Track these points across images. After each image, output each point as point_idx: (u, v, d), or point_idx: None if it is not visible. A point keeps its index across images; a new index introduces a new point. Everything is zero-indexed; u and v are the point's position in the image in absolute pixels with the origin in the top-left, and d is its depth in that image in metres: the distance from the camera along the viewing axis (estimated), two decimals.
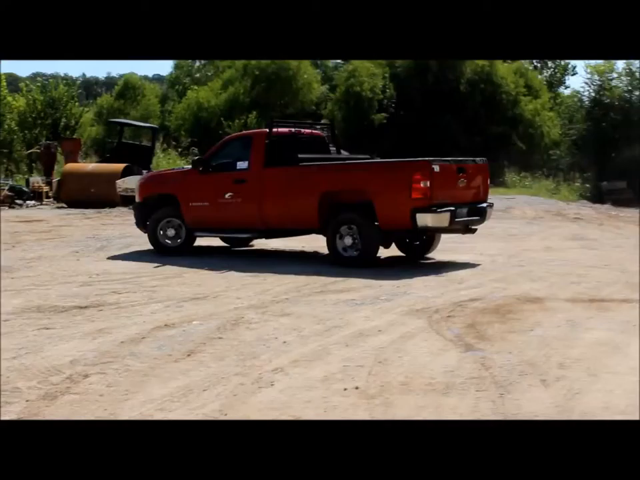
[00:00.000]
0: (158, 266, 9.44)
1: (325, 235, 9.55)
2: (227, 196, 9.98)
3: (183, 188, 10.40)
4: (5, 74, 40.76)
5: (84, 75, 58.67)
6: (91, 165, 22.53)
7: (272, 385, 4.49)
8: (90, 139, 39.37)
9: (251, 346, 5.55)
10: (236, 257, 11.01)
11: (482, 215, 9.66)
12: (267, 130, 10.25)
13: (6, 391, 4.34)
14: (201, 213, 10.22)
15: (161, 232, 10.49)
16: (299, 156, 9.91)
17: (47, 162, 22.70)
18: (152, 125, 29.16)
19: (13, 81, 46.77)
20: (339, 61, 45.78)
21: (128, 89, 48.35)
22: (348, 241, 9.15)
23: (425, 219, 8.75)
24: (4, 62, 49.58)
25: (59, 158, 23.75)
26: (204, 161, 10.38)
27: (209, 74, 48.68)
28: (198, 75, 50.52)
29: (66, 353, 5.27)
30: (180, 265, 9.52)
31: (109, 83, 70.04)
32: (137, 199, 11.08)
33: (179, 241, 10.49)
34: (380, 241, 9.31)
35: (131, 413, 3.94)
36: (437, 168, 8.95)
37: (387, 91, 39.63)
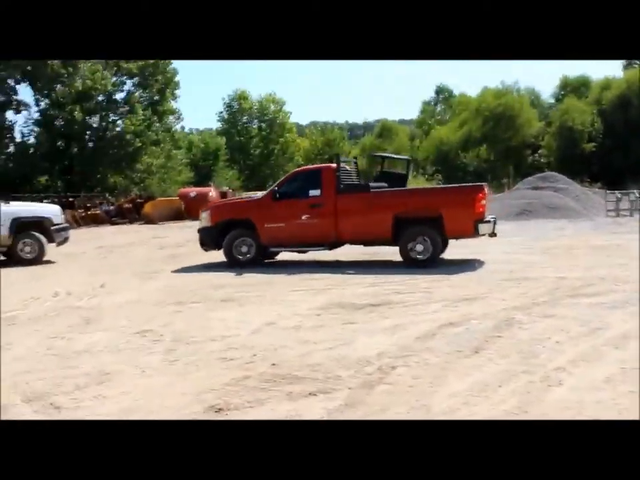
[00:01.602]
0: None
1: (395, 245, 11.87)
2: (303, 217, 12.22)
3: (257, 213, 12.61)
4: (294, 123, 60.79)
5: (347, 121, 70.51)
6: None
7: (560, 384, 4.78)
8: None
9: (528, 345, 5.91)
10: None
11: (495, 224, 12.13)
12: (336, 164, 12.59)
13: (330, 378, 5.09)
14: (276, 233, 12.36)
15: (235, 249, 12.49)
16: (370, 184, 13.08)
17: None
18: (406, 157, 32.43)
19: (298, 128, 64.05)
20: (552, 101, 60.11)
21: (385, 130, 64.64)
22: (420, 247, 11.50)
23: (483, 228, 11.56)
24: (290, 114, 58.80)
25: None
26: (276, 191, 12.55)
27: (447, 117, 63.49)
28: (439, 117, 66.34)
29: (372, 345, 6.01)
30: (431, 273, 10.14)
31: (366, 126, 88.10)
32: (208, 224, 12.91)
33: (248, 256, 12.50)
34: (442, 246, 11.88)
35: (440, 405, 4.42)
36: (486, 190, 12.04)
37: (595, 124, 50.21)
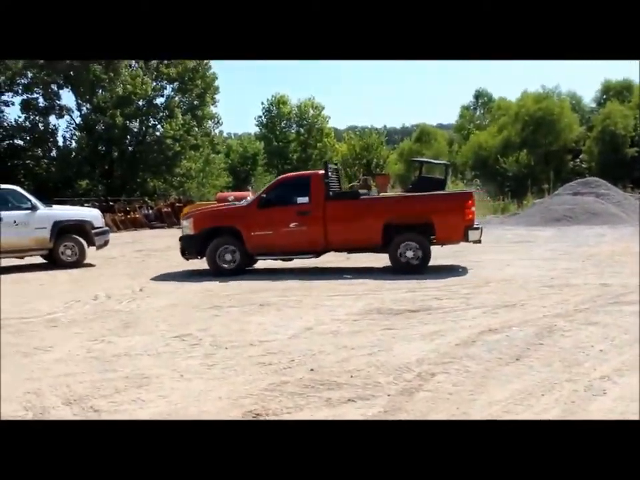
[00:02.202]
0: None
1: (384, 252, 11.88)
2: (291, 225, 12.04)
3: (243, 220, 12.33)
4: (332, 127, 61.60)
5: (385, 126, 72.28)
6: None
7: (604, 393, 4.69)
8: (395, 174, 51.98)
9: (571, 353, 5.81)
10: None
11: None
12: (324, 172, 12.42)
13: (369, 385, 5.05)
14: (263, 241, 12.17)
15: (219, 257, 12.23)
16: (360, 191, 13.37)
17: (365, 193, 27.46)
18: (445, 162, 33.12)
19: (336, 133, 64.80)
20: (594, 105, 59.23)
21: (423, 135, 65.79)
22: (410, 253, 11.65)
23: (474, 234, 11.66)
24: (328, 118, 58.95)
25: (373, 190, 28.20)
26: (263, 198, 12.30)
27: (487, 121, 63.15)
28: (478, 122, 66.16)
29: (411, 352, 5.97)
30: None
31: (404, 131, 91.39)
32: (190, 232, 12.60)
33: (232, 264, 12.23)
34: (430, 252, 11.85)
35: (481, 413, 4.36)
36: (475, 197, 12.31)
37: (638, 128, 49.16)
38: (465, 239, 11.69)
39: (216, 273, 12.10)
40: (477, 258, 13.49)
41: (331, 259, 13.21)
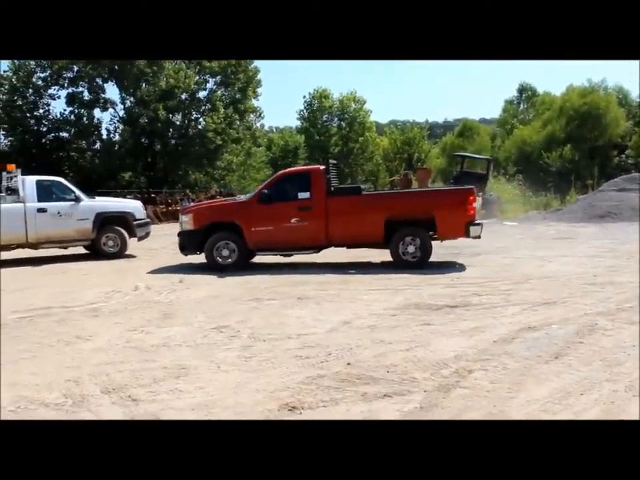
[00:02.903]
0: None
1: (386, 247, 11.98)
2: (292, 220, 12.02)
3: (244, 216, 12.30)
4: (373, 121, 61.47)
5: (427, 120, 71.33)
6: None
7: None
8: (436, 168, 50.83)
9: (612, 352, 5.70)
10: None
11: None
12: (325, 167, 12.50)
13: (405, 380, 5.03)
14: (264, 236, 12.17)
15: (218, 253, 12.21)
16: (360, 186, 13.50)
17: (405, 187, 26.93)
18: (487, 157, 33.41)
19: (377, 127, 64.35)
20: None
21: (466, 130, 64.86)
22: (411, 248, 11.73)
23: (475, 230, 11.66)
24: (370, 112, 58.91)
25: (413, 184, 27.94)
26: (264, 194, 12.23)
27: (530, 116, 62.24)
28: (522, 117, 64.96)
29: (449, 348, 5.93)
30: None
31: (446, 125, 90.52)
32: (190, 227, 12.51)
33: (230, 260, 12.21)
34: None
35: (519, 411, 4.30)
36: (476, 193, 12.14)
37: None
38: (466, 234, 11.71)
39: (213, 268, 12.06)
40: (518, 254, 13.36)
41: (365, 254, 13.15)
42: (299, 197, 12.19)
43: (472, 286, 9.23)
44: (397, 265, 11.64)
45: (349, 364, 5.51)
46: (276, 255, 12.75)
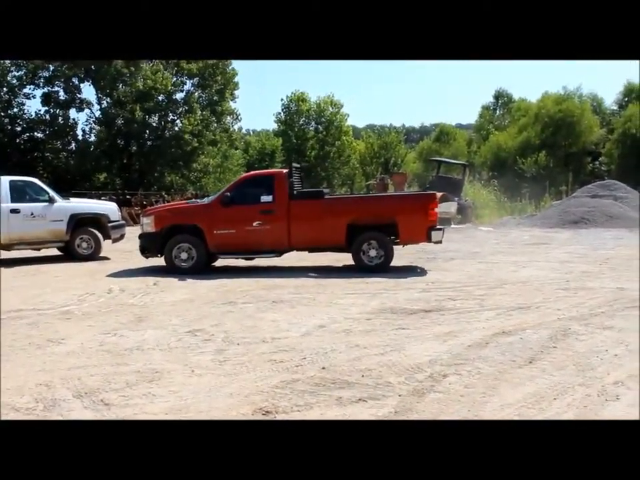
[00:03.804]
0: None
1: (348, 251, 12.00)
2: (255, 224, 11.99)
3: (205, 218, 12.21)
4: (350, 125, 60.75)
5: (404, 125, 73.21)
6: None
7: (617, 399, 4.62)
8: (412, 173, 50.73)
9: (585, 357, 5.75)
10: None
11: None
12: (288, 171, 12.57)
13: (380, 384, 5.03)
14: (225, 239, 12.08)
15: (178, 256, 12.13)
16: (323, 190, 13.66)
17: (381, 191, 27.17)
18: (463, 162, 33.74)
19: (354, 131, 63.83)
20: (615, 108, 57.71)
21: (442, 134, 66.59)
22: (373, 252, 11.82)
23: (436, 235, 11.74)
24: (347, 116, 58.62)
25: (389, 188, 28.13)
26: (226, 197, 12.12)
27: (506, 122, 62.37)
28: (498, 122, 65.66)
29: (423, 352, 5.93)
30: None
31: (423, 130, 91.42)
32: (151, 230, 12.42)
33: (190, 262, 12.09)
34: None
35: (493, 415, 4.32)
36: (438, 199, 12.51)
37: None
38: (428, 239, 11.78)
39: (173, 271, 11.96)
40: (493, 259, 13.45)
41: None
42: (262, 200, 12.16)
43: (447, 290, 9.27)
44: (359, 269, 11.69)
45: (323, 368, 5.50)
46: (237, 258, 12.71)
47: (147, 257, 12.80)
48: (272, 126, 64.47)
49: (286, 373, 5.40)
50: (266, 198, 12.13)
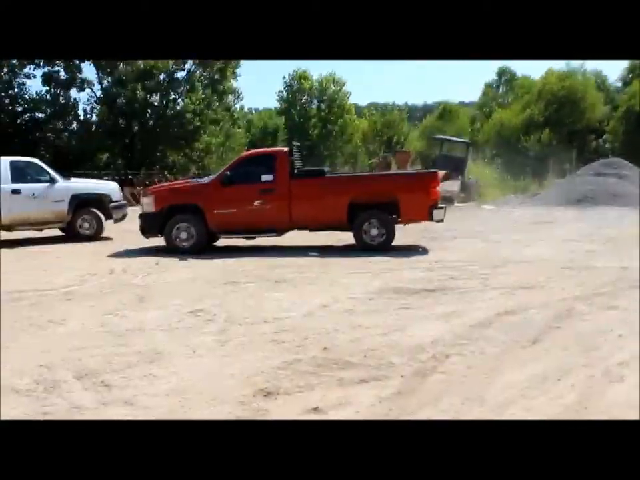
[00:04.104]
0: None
1: (349, 230, 11.97)
2: (255, 203, 11.90)
3: (206, 198, 12.13)
4: (353, 104, 60.36)
5: (406, 103, 70.83)
6: None
7: (622, 379, 4.59)
8: (416, 151, 49.57)
9: (589, 337, 5.70)
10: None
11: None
12: (289, 149, 12.58)
13: (382, 365, 4.99)
14: (226, 219, 12.03)
15: (179, 235, 12.06)
16: (324, 169, 13.51)
17: (384, 169, 26.86)
18: (466, 140, 33.48)
19: (356, 109, 62.83)
20: (619, 84, 57.16)
21: (446, 112, 64.25)
22: (374, 231, 11.73)
23: (438, 214, 11.74)
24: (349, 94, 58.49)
25: (393, 167, 27.86)
26: (226, 176, 12.08)
27: (509, 99, 61.84)
28: (501, 100, 64.53)
29: (426, 332, 5.88)
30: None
31: (426, 108, 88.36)
32: (151, 209, 12.34)
33: (191, 242, 12.04)
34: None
35: (496, 397, 4.29)
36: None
37: None
38: (430, 218, 11.77)
39: (173, 251, 11.89)
40: (496, 237, 13.39)
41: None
42: (262, 180, 12.06)
43: (450, 270, 9.22)
44: (361, 248, 11.67)
45: (325, 348, 5.46)
46: (238, 237, 12.66)
47: (147, 237, 12.73)
48: (274, 104, 64.05)
49: (288, 354, 5.35)
50: (266, 177, 12.04)
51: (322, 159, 54.38)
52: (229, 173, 12.18)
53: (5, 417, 4.15)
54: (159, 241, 12.55)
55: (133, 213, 15.54)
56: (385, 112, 60.67)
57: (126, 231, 15.76)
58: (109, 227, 15.44)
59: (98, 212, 14.99)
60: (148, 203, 12.49)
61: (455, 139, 33.87)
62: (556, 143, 46.27)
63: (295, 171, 12.22)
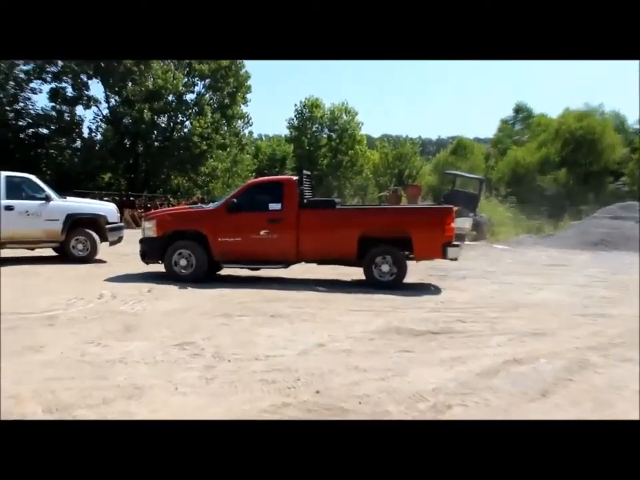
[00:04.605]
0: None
1: (359, 265, 11.44)
2: (262, 232, 11.45)
3: (210, 225, 11.73)
4: (364, 134, 60.81)
5: (420, 136, 71.59)
6: None
7: None
8: (427, 185, 50.33)
9: (603, 392, 5.31)
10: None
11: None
12: (298, 178, 11.95)
13: (377, 413, 4.61)
14: (230, 247, 11.60)
15: (179, 263, 11.68)
16: (335, 200, 12.74)
17: (394, 203, 26.82)
18: (479, 177, 33.46)
19: (368, 140, 63.59)
20: (638, 126, 55.79)
21: (460, 148, 63.31)
22: (385, 268, 11.23)
23: (453, 252, 11.17)
24: (361, 125, 59.30)
25: (403, 200, 27.67)
26: (233, 203, 11.63)
27: (526, 137, 60.76)
28: (517, 137, 63.94)
29: (428, 379, 5.49)
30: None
31: (440, 143, 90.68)
32: (153, 235, 11.95)
33: (190, 270, 11.63)
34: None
35: None
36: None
37: None
38: (444, 256, 11.22)
39: (173, 278, 11.50)
40: (508, 279, 12.99)
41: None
42: (270, 208, 11.61)
43: (456, 311, 8.80)
44: (369, 284, 11.16)
45: (317, 392, 5.07)
46: (242, 268, 12.28)
47: (147, 263, 12.34)
48: (284, 131, 64.04)
49: (277, 396, 4.96)
50: (274, 206, 11.58)
51: (330, 190, 54.24)
52: (235, 199, 11.76)
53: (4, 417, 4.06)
54: (157, 267, 12.18)
55: (131, 236, 15.25)
56: (397, 144, 60.50)
57: (122, 254, 15.44)
58: (104, 249, 15.07)
59: (93, 233, 14.65)
60: (149, 228, 12.09)
61: (467, 174, 33.64)
62: (572, 184, 45.83)
63: (305, 201, 11.79)
